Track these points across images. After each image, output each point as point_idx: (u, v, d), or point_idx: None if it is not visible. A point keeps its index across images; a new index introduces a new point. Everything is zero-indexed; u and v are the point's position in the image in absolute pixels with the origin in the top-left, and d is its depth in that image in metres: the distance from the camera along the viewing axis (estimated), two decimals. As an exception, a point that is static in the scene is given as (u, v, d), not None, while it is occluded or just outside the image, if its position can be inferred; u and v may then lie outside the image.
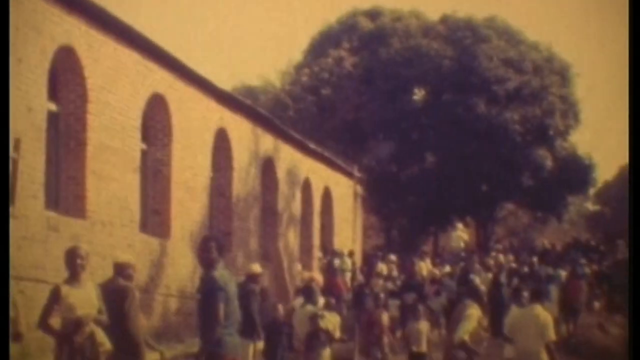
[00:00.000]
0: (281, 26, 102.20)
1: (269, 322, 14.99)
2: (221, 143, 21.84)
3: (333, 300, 17.04)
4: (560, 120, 42.15)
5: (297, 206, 27.45)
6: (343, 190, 32.63)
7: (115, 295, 10.14)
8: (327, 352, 14.35)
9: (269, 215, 25.37)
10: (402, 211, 42.26)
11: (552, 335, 12.63)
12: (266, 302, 15.87)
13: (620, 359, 14.55)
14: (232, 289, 9.63)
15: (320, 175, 30.04)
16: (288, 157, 26.72)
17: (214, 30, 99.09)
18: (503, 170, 40.02)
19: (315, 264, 28.10)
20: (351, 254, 28.17)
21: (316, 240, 29.35)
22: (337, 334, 15.36)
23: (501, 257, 31.72)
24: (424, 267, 28.47)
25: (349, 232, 32.88)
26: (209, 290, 9.39)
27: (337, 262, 26.24)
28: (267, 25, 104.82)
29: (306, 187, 28.56)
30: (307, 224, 28.68)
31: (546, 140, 41.95)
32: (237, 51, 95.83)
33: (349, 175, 33.29)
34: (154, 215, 18.58)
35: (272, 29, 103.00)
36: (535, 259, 32.30)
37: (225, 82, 27.23)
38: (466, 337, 14.36)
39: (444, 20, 43.85)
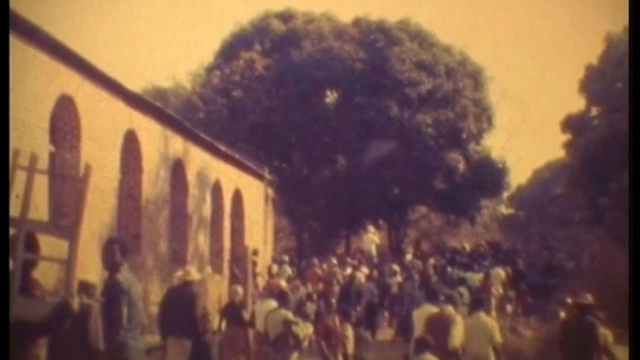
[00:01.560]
0: (192, 28, 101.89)
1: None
2: (130, 145, 21.86)
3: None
4: (473, 123, 43.05)
5: (207, 208, 27.61)
6: (254, 193, 32.89)
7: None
8: (295, 357, 15.18)
9: (179, 217, 25.48)
10: (314, 214, 42.80)
11: (499, 338, 14.09)
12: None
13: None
14: (137, 292, 9.83)
15: (231, 177, 30.25)
16: (198, 159, 26.87)
17: (123, 31, 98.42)
18: (415, 173, 40.67)
19: (225, 266, 28.43)
20: (255, 253, 28.60)
21: (226, 242, 29.51)
22: (305, 343, 16.24)
23: (413, 259, 32.43)
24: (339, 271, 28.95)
25: (260, 235, 33.15)
26: (112, 294, 9.59)
27: (275, 268, 27.04)
28: (178, 26, 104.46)
29: (216, 189, 28.74)
30: (218, 227, 28.82)
31: (459, 144, 42.79)
32: (147, 52, 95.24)
33: (260, 177, 33.58)
34: (63, 218, 18.66)
35: (183, 30, 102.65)
36: (446, 262, 33.10)
37: (135, 84, 27.34)
38: (459, 345, 14.62)
39: (357, 23, 44.49)
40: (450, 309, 14.98)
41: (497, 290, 27.17)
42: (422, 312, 15.09)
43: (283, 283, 22.11)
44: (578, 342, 14.09)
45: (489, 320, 14.94)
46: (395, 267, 29.60)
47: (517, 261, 33.73)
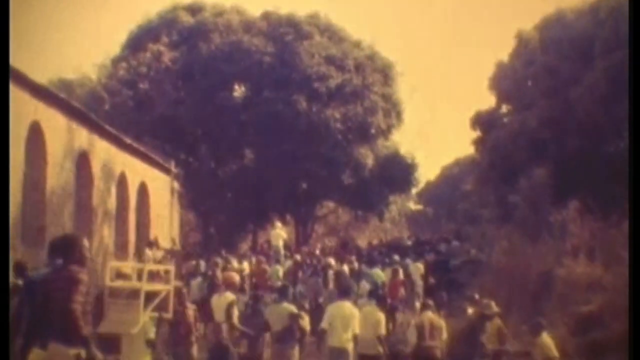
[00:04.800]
0: (99, 19, 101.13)
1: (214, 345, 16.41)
2: (35, 136, 22.04)
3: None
4: (382, 119, 43.86)
5: (112, 201, 27.88)
6: (160, 186, 33.20)
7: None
8: (296, 349, 16.15)
9: (84, 210, 25.66)
10: (220, 208, 43.14)
11: (382, 330, 15.36)
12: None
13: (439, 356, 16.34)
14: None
15: (137, 170, 30.52)
16: (103, 152, 27.11)
17: (29, 21, 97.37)
18: (323, 168, 41.45)
19: (130, 259, 28.71)
20: (150, 245, 29.02)
21: (132, 236, 29.83)
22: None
23: (321, 255, 32.91)
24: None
25: (166, 229, 33.51)
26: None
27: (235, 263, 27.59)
28: (84, 17, 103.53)
29: (122, 182, 29.01)
30: (123, 220, 29.15)
31: (368, 139, 43.70)
32: (53, 43, 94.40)
33: (166, 170, 33.89)
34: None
35: (90, 21, 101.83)
36: (354, 257, 33.64)
37: (40, 75, 27.36)
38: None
39: (266, 16, 45.04)
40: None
41: (417, 283, 28.19)
42: (337, 308, 15.96)
43: (236, 277, 22.83)
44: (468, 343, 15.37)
45: (376, 312, 16.10)
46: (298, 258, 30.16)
47: (439, 252, 34.06)
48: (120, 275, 14.63)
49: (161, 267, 21.05)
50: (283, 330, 15.98)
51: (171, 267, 19.37)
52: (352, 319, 15.15)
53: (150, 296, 16.42)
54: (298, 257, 30.40)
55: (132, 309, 16.06)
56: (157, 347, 17.05)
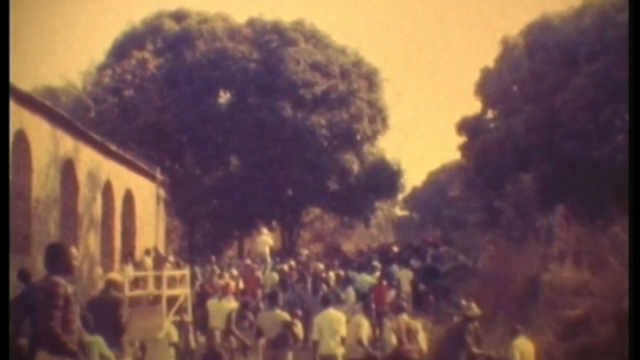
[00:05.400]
0: (84, 26, 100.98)
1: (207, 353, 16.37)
2: (20, 144, 21.92)
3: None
4: (367, 125, 43.96)
5: (97, 209, 27.82)
6: (145, 193, 33.12)
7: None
8: (290, 355, 16.10)
9: (69, 218, 25.52)
10: (206, 215, 43.30)
11: (363, 334, 15.56)
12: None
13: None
14: None
15: (122, 177, 30.45)
16: (89, 159, 26.99)
17: (13, 28, 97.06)
18: (309, 175, 41.51)
19: (116, 267, 28.69)
20: (148, 252, 29.14)
21: (117, 243, 29.76)
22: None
23: (308, 261, 32.93)
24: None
25: (152, 236, 33.47)
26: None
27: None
28: (69, 25, 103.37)
29: (107, 189, 28.92)
30: (108, 227, 29.01)
31: (353, 145, 43.71)
32: (38, 51, 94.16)
33: (152, 178, 33.80)
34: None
35: (75, 29, 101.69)
36: (340, 263, 33.59)
37: (25, 83, 27.32)
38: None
39: (251, 23, 45.21)
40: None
41: (406, 290, 28.33)
42: (322, 318, 16.16)
43: (233, 283, 22.90)
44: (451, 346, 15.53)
45: (338, 316, 16.30)
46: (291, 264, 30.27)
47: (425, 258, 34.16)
48: (110, 284, 14.79)
49: (178, 273, 21.29)
50: (277, 337, 16.01)
51: (187, 272, 19.68)
52: (338, 324, 15.50)
53: (170, 301, 16.70)
54: (292, 263, 30.52)
55: (155, 315, 16.59)
56: (180, 350, 17.33)
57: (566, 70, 32.90)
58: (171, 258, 30.89)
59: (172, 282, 19.89)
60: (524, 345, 15.43)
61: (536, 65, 34.99)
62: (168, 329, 16.67)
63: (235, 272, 28.28)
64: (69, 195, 25.73)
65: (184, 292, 17.64)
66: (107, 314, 12.57)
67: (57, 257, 8.87)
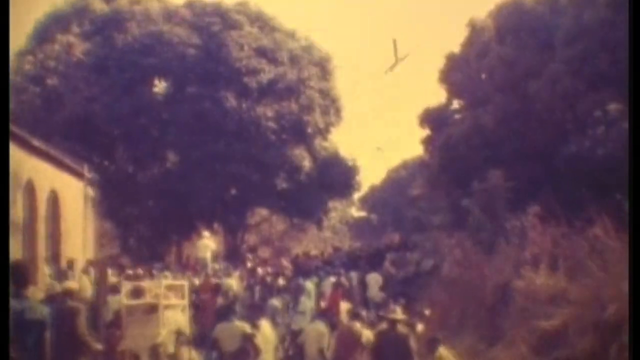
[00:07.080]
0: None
1: None
2: None
3: None
4: (320, 116, 44.20)
5: (19, 212, 27.58)
6: (72, 193, 32.76)
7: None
8: None
9: None
10: (140, 217, 43.15)
11: (325, 346, 15.89)
12: None
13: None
14: None
15: (46, 176, 30.12)
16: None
17: None
18: (255, 172, 41.55)
19: (42, 275, 28.44)
20: (70, 264, 28.92)
21: (42, 249, 29.55)
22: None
23: (254, 267, 32.95)
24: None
25: (79, 240, 33.20)
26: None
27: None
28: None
29: (29, 189, 28.65)
30: (32, 232, 28.77)
31: (304, 139, 43.93)
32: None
33: (79, 176, 33.54)
34: None
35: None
36: (289, 270, 33.66)
37: None
38: None
39: (190, 4, 45.19)
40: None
41: (375, 294, 28.75)
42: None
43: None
44: (393, 351, 15.62)
45: (321, 327, 16.68)
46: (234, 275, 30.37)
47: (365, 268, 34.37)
48: (67, 293, 15.08)
49: (177, 283, 21.61)
50: (236, 351, 16.05)
51: (186, 282, 20.57)
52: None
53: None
54: (260, 270, 30.73)
55: (151, 323, 17.22)
56: None
57: (540, 55, 33.09)
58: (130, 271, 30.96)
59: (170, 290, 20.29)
60: (446, 354, 15.70)
61: (507, 51, 35.15)
62: (164, 339, 16.94)
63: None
64: (-14, 196, 25.40)
65: (182, 302, 18.08)
66: (64, 324, 12.93)
67: None
